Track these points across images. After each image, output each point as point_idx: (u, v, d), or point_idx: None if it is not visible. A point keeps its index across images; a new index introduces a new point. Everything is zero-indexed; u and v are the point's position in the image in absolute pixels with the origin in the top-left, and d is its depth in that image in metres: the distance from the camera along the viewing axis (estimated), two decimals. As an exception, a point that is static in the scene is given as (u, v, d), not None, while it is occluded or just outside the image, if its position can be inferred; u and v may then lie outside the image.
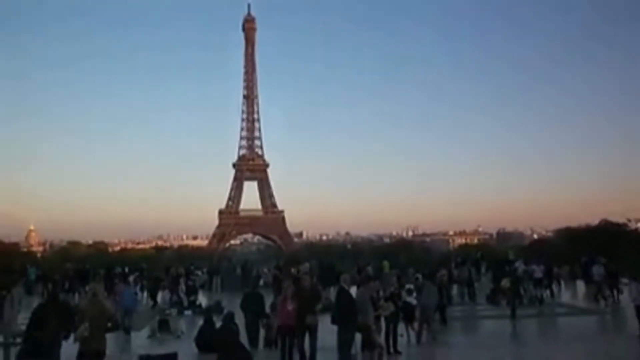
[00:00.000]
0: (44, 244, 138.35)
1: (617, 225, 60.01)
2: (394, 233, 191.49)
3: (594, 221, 63.42)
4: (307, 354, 9.90)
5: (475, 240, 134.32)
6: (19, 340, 11.50)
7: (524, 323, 16.20)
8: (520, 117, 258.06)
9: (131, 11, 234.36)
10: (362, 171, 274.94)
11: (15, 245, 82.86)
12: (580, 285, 26.61)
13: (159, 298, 23.05)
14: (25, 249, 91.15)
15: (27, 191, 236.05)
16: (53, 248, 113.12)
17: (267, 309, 13.49)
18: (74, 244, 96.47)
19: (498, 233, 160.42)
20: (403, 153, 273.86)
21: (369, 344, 9.77)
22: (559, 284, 24.32)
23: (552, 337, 14.27)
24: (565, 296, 22.95)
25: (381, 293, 12.48)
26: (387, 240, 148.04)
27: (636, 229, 69.66)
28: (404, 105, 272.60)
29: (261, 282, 26.07)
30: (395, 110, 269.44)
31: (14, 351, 10.09)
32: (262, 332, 12.96)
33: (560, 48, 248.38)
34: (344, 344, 10.85)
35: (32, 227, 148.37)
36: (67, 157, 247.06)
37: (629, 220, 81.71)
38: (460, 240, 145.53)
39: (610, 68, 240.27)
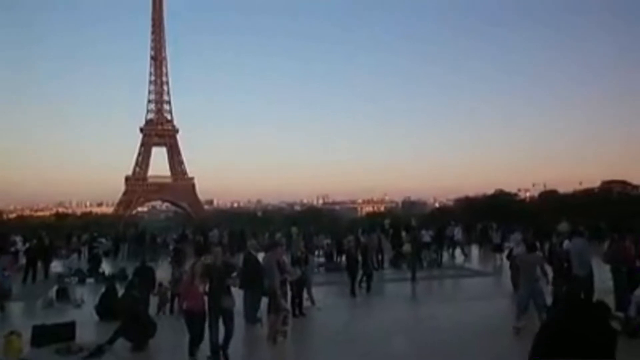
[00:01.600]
0: None
1: (510, 194, 65.15)
2: (305, 201, 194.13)
3: (490, 191, 68.18)
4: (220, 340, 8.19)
5: (382, 208, 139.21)
6: None
7: (422, 285, 17.25)
8: (433, 89, 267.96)
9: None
10: (274, 138, 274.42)
11: None
12: (475, 249, 28.68)
13: (57, 267, 22.01)
14: None
15: None
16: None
17: (167, 283, 13.41)
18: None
19: (403, 202, 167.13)
20: (312, 120, 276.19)
21: (275, 308, 9.97)
22: (454, 249, 25.92)
23: (445, 297, 15.46)
24: (460, 259, 24.57)
25: (287, 259, 12.70)
26: (297, 208, 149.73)
27: (524, 199, 76.49)
28: (313, 65, 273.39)
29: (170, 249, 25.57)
30: (304, 71, 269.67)
31: None
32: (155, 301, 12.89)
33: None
34: (250, 308, 11.05)
35: None
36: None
37: (519, 190, 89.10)
38: (368, 208, 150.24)
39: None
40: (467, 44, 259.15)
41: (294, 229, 27.57)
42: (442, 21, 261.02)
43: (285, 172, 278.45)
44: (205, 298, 8.09)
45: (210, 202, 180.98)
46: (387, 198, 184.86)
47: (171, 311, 12.75)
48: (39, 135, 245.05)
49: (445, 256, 24.19)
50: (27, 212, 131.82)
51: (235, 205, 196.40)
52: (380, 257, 21.51)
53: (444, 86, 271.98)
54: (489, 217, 38.15)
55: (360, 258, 15.97)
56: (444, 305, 13.67)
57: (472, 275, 19.64)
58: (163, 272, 16.15)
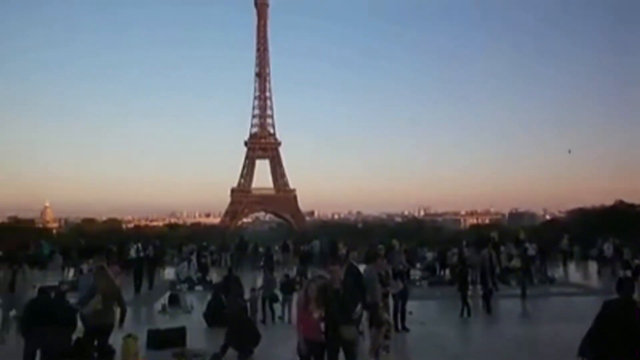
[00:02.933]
0: (59, 220, 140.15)
1: (632, 206, 59.19)
2: (406, 212, 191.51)
3: (609, 202, 62.82)
4: None
5: (487, 221, 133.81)
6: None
7: (533, 302, 16.16)
8: (537, 97, 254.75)
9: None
10: (375, 150, 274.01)
11: (31, 221, 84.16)
12: (593, 265, 26.49)
13: (169, 274, 23.36)
14: (40, 225, 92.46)
15: (43, 168, 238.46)
16: (68, 224, 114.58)
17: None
18: (89, 221, 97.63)
19: (510, 213, 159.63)
20: (416, 133, 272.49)
21: (376, 321, 9.75)
22: (565, 264, 24.15)
23: (558, 316, 14.27)
24: (576, 276, 22.81)
25: (390, 271, 12.44)
26: (398, 219, 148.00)
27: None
28: (416, 85, 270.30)
29: (274, 259, 26.19)
30: (407, 89, 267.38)
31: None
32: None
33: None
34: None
35: (47, 204, 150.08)
36: (83, 136, 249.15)
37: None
38: (472, 220, 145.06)
39: None
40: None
41: (394, 241, 27.09)
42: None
43: (386, 183, 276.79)
44: (322, 326, 6.71)
45: (311, 214, 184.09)
46: (492, 209, 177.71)
47: (263, 320, 13.06)
48: (153, 151, 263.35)
49: (559, 272, 22.59)
50: (142, 223, 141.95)
51: (336, 216, 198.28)
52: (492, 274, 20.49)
53: (559, 88, 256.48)
54: (608, 230, 35.12)
55: (470, 274, 15.14)
56: (559, 324, 12.66)
57: (587, 293, 18.09)
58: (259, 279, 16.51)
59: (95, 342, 7.55)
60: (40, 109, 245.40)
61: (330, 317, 6.65)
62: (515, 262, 19.24)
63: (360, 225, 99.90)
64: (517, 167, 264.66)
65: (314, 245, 29.46)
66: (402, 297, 12.13)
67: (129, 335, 9.48)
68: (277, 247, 30.47)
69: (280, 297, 14.07)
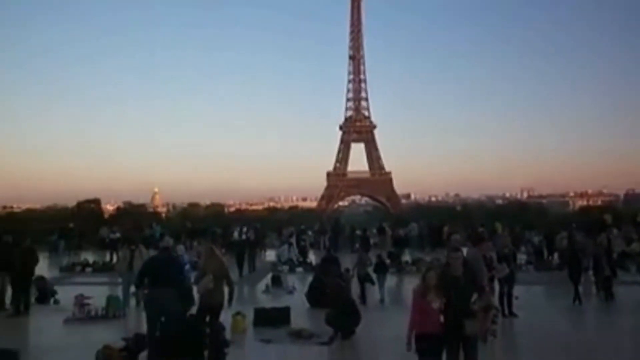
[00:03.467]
0: (167, 205, 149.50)
1: None
2: (507, 195, 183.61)
3: None
4: None
5: (599, 202, 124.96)
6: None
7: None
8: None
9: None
10: (472, 131, 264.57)
11: (142, 206, 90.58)
12: None
13: (270, 256, 24.15)
14: (151, 210, 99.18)
15: (152, 156, 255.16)
16: (175, 209, 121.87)
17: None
18: (194, 205, 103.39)
19: (626, 195, 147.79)
20: (516, 109, 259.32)
21: (484, 306, 9.40)
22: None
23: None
24: None
25: (494, 255, 11.96)
26: (499, 201, 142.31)
27: None
28: (516, 62, 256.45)
29: (371, 242, 26.20)
30: (506, 66, 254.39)
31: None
32: None
33: None
34: None
35: (156, 190, 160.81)
36: (187, 126, 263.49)
37: None
38: (581, 202, 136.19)
39: None
40: None
41: (497, 224, 26.05)
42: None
43: (485, 164, 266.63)
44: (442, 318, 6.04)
45: (407, 196, 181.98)
46: (605, 190, 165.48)
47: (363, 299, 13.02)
48: (252, 137, 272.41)
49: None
50: (243, 206, 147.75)
51: (433, 199, 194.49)
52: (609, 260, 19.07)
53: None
54: None
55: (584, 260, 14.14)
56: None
57: None
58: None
59: (207, 319, 7.92)
60: (150, 103, 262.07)
61: (451, 309, 5.98)
62: (635, 246, 17.76)
63: (458, 208, 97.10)
64: (634, 144, 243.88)
65: (411, 228, 29.08)
66: (508, 282, 11.64)
67: (238, 313, 9.90)
68: (374, 230, 30.43)
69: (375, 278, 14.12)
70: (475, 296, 6.17)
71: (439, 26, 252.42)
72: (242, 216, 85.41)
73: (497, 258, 11.77)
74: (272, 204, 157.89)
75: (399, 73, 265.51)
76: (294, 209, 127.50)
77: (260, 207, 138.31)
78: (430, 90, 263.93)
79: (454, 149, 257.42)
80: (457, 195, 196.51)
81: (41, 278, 14.60)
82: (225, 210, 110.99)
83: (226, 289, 8.33)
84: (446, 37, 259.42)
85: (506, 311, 11.41)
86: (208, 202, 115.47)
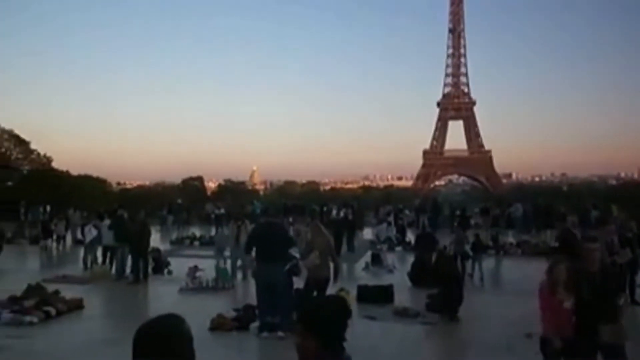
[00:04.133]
0: (264, 182, 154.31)
1: None
2: (622, 174, 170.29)
3: None
4: None
5: None
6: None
7: None
8: None
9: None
10: (580, 106, 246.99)
11: (242, 183, 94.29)
12: None
13: (367, 234, 24.17)
14: (250, 187, 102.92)
15: (250, 135, 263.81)
16: (272, 187, 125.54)
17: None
18: (290, 183, 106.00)
19: None
20: (630, 80, 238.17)
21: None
22: None
23: None
24: None
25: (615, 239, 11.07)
26: (612, 182, 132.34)
27: None
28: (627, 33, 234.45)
29: (472, 223, 25.44)
30: (617, 39, 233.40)
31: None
32: None
33: None
34: None
35: (255, 168, 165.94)
36: (285, 105, 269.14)
37: None
38: None
39: None
40: None
41: (613, 207, 24.23)
42: None
43: (595, 142, 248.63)
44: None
45: (509, 176, 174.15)
46: None
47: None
48: (346, 115, 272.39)
49: None
50: (339, 185, 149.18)
51: (537, 179, 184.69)
52: None
53: None
54: None
55: None
56: None
57: None
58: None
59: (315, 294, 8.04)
60: (250, 84, 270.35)
61: (585, 310, 4.98)
62: None
63: (565, 188, 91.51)
64: None
65: (516, 208, 27.82)
66: (631, 267, 10.74)
67: (342, 289, 9.98)
68: (475, 210, 29.49)
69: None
70: (623, 297, 5.28)
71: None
72: (338, 194, 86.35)
73: (619, 242, 10.92)
74: (367, 182, 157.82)
75: (500, 46, 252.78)
76: (389, 187, 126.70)
77: (355, 186, 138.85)
78: (534, 64, 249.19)
79: (559, 126, 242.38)
80: (563, 174, 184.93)
81: (156, 250, 15.66)
82: (321, 188, 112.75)
83: (332, 265, 8.41)
84: (552, 9, 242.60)
85: (628, 299, 10.56)
86: (304, 181, 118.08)
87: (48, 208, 28.59)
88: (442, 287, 9.59)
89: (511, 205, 29.76)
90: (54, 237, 20.42)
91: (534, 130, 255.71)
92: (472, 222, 25.99)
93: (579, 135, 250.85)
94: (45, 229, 20.39)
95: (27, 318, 8.99)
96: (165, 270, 14.76)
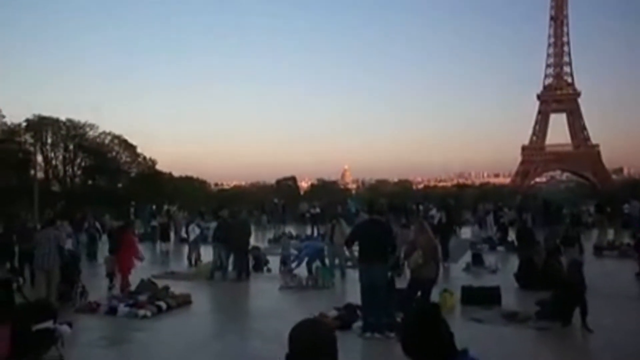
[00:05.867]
0: (356, 181, 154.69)
1: None
2: None
3: None
4: None
5: None
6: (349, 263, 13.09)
7: None
8: None
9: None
10: None
11: (334, 183, 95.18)
12: None
13: (466, 233, 23.33)
14: (342, 186, 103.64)
15: (343, 134, 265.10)
16: (364, 185, 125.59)
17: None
18: (382, 182, 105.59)
19: None
20: None
21: None
22: None
23: None
24: None
25: None
26: None
27: None
28: None
29: (589, 222, 23.90)
30: None
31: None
32: None
33: None
34: None
35: (346, 167, 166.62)
36: (372, 104, 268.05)
37: None
38: None
39: None
40: None
41: None
42: None
43: None
44: None
45: (620, 171, 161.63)
46: None
47: None
48: (439, 110, 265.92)
49: None
50: (432, 183, 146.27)
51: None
52: None
53: None
54: None
55: None
56: None
57: None
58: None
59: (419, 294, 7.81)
60: (337, 85, 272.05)
61: None
62: None
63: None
64: None
65: (632, 206, 25.64)
66: None
67: (445, 290, 9.64)
68: (585, 209, 27.61)
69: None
70: None
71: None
72: (432, 193, 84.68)
73: None
74: (461, 180, 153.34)
75: (607, 34, 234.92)
76: (485, 185, 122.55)
77: (449, 184, 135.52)
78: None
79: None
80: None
81: (256, 248, 16.08)
82: (414, 187, 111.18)
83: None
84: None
85: None
86: (396, 179, 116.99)
87: (154, 207, 30.34)
88: (555, 291, 8.91)
89: (625, 203, 27.50)
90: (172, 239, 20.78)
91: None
92: (584, 220, 24.39)
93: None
94: (164, 231, 20.67)
95: (142, 312, 9.52)
96: (265, 268, 15.10)
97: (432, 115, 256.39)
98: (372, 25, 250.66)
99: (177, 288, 11.57)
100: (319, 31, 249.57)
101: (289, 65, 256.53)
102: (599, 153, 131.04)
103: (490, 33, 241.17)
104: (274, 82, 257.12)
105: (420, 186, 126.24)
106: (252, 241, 16.33)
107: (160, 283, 11.85)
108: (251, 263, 14.65)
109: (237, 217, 15.99)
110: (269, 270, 15.00)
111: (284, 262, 14.80)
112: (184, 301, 10.63)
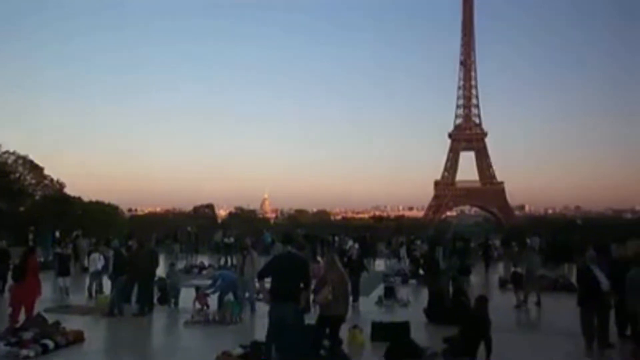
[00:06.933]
0: (276, 210, 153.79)
1: None
2: (637, 208, 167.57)
3: None
4: None
5: None
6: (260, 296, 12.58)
7: None
8: None
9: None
10: (593, 137, 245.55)
11: (253, 212, 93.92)
12: None
13: (380, 266, 23.51)
14: (260, 215, 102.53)
15: (261, 163, 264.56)
16: (283, 215, 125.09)
17: None
18: (301, 212, 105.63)
19: None
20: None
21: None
22: None
23: None
24: None
25: None
26: (627, 215, 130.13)
27: None
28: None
29: (495, 255, 24.90)
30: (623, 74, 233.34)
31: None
32: None
33: None
34: (586, 327, 9.34)
35: (266, 196, 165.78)
36: (293, 135, 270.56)
37: None
38: None
39: None
40: None
41: (631, 243, 23.38)
42: None
43: (609, 175, 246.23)
44: None
45: (521, 208, 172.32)
46: None
47: None
48: (357, 146, 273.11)
49: None
50: (349, 214, 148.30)
51: (550, 211, 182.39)
52: None
53: None
54: None
55: None
56: None
57: None
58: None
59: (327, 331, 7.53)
60: (259, 113, 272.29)
61: None
62: None
63: (579, 222, 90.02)
64: None
65: (533, 241, 27.06)
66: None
67: (355, 326, 9.43)
68: (495, 242, 28.84)
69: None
70: None
71: (554, 31, 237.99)
72: (349, 224, 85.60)
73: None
74: (378, 212, 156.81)
75: (512, 77, 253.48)
76: (400, 218, 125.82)
77: (366, 216, 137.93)
78: (548, 95, 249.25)
79: (572, 158, 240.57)
80: (577, 207, 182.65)
81: (162, 279, 15.16)
82: (332, 217, 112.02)
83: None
84: (561, 39, 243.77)
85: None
86: (315, 209, 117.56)
87: (57, 234, 28.19)
88: (462, 328, 8.92)
89: (529, 238, 29.02)
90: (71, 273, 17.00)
91: (546, 162, 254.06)
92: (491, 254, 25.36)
93: (593, 168, 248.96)
94: (64, 264, 16.36)
95: (24, 352, 8.54)
96: (172, 301, 14.25)
97: (353, 147, 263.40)
98: (294, 58, 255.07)
99: (70, 324, 10.59)
100: (229, 57, 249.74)
101: (211, 90, 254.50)
102: (503, 190, 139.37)
103: (409, 71, 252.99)
104: (193, 107, 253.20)
105: (339, 217, 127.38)
106: (161, 272, 15.46)
107: (52, 318, 10.78)
108: (156, 295, 13.79)
109: (144, 246, 15.08)
110: (176, 303, 14.14)
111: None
112: (76, 339, 9.68)
